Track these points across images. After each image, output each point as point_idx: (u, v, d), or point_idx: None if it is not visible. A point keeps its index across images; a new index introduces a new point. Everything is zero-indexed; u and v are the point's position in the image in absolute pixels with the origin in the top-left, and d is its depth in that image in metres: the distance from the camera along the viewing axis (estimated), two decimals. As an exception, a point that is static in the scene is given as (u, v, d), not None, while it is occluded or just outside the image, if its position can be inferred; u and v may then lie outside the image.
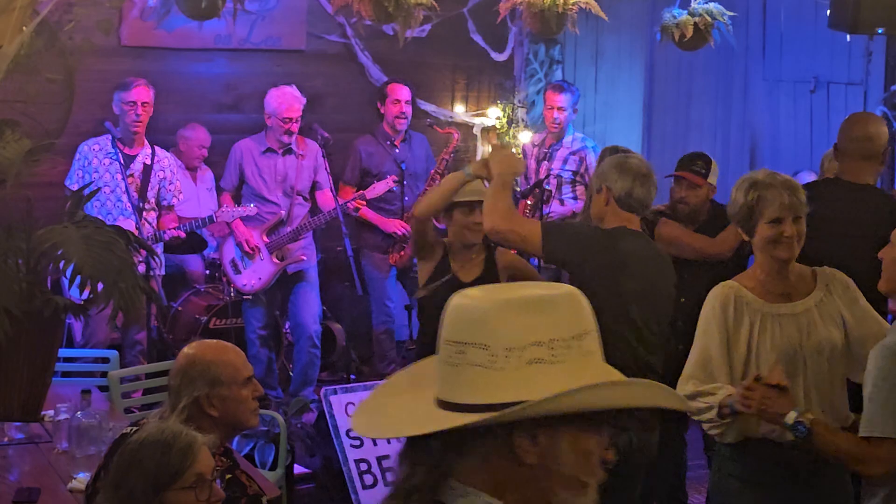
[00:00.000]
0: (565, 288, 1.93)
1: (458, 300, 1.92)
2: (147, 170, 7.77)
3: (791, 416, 3.76)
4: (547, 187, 8.49)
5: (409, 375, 2.10)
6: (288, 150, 8.21)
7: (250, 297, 8.20)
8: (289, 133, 8.10)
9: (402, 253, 8.49)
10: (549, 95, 9.01)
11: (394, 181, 8.35)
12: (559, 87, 8.99)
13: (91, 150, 7.76)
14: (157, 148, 7.94)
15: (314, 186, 8.35)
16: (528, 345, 1.83)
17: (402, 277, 8.78)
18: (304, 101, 8.17)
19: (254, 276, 8.18)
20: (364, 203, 8.26)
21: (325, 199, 8.31)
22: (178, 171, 8.23)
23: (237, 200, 8.23)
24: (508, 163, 5.01)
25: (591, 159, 8.72)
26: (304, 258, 8.28)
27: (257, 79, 8.98)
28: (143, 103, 7.68)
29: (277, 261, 8.17)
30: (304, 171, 8.25)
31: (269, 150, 8.20)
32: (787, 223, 4.12)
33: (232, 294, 8.30)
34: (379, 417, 2.00)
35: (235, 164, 8.24)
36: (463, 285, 5.29)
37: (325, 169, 8.25)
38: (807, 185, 4.54)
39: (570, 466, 1.87)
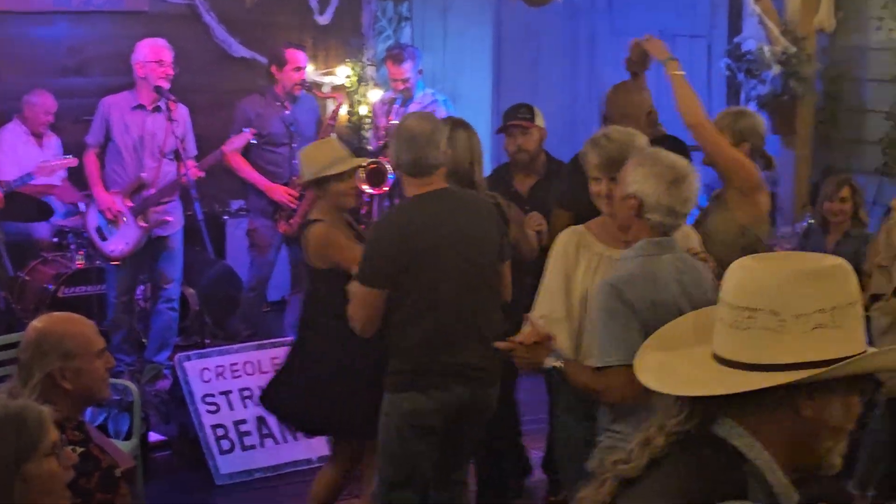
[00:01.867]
0: (836, 259, 2.14)
1: (744, 269, 2.13)
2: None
3: (548, 362, 4.09)
4: None
5: (672, 334, 2.36)
6: (157, 109, 8.02)
7: (119, 262, 8.05)
8: (165, 80, 7.91)
9: (292, 221, 8.35)
10: (390, 66, 9.00)
11: (252, 134, 8.25)
12: (398, 57, 8.94)
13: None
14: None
15: (181, 150, 8.15)
16: (814, 311, 2.05)
17: (290, 242, 8.62)
18: (173, 52, 8.02)
19: (121, 241, 8.01)
20: (202, 171, 8.18)
21: (190, 163, 8.18)
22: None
23: (101, 159, 8.03)
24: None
25: (443, 113, 8.73)
26: (170, 219, 8.14)
27: (101, 41, 8.81)
28: None
29: (143, 223, 8.00)
30: (172, 132, 8.03)
31: (138, 106, 8.02)
32: (601, 182, 4.41)
33: (97, 262, 8.21)
34: (668, 375, 2.20)
35: (102, 119, 8.01)
36: None
37: (192, 133, 8.17)
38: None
39: (837, 419, 2.10)
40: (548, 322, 4.30)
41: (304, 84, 8.66)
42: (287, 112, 8.57)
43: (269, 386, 5.70)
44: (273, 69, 8.62)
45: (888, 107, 8.41)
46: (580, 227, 4.51)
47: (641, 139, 4.56)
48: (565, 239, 4.49)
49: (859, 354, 2.06)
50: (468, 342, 4.88)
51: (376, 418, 5.06)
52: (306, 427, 5.90)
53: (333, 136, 7.88)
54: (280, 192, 8.39)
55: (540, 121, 6.31)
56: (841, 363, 2.03)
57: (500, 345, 4.16)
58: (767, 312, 2.05)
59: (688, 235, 4.61)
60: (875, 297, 4.74)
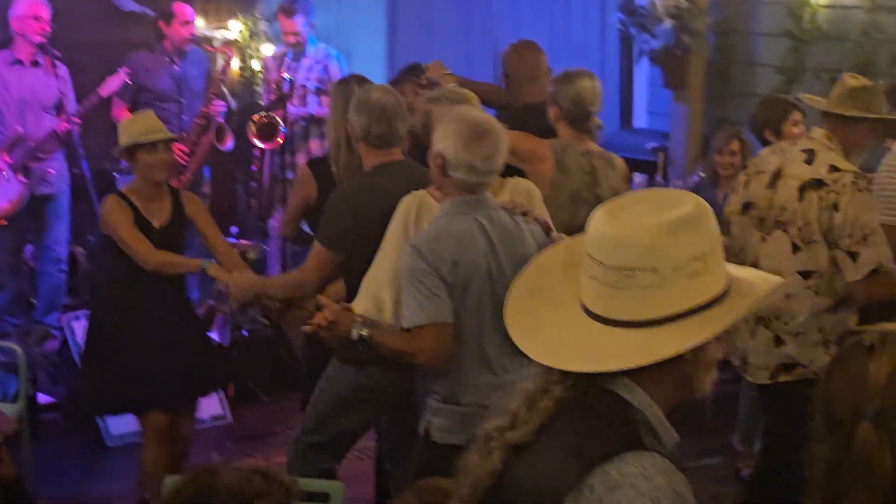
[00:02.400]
0: (693, 200, 2.14)
1: (611, 229, 2.09)
2: None
3: (354, 333, 4.08)
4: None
5: (528, 289, 2.27)
6: (35, 64, 7.89)
7: (2, 221, 7.85)
8: (42, 36, 7.76)
9: (182, 178, 8.23)
10: (281, 19, 8.92)
11: (126, 74, 8.09)
12: (289, 10, 8.84)
13: None
14: None
15: (61, 105, 8.02)
16: (690, 260, 2.06)
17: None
18: (51, 8, 7.85)
19: (2, 198, 7.81)
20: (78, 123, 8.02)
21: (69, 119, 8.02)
22: None
23: None
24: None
25: (335, 69, 8.75)
26: (52, 171, 7.98)
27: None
28: None
29: (23, 179, 7.81)
30: (52, 86, 7.93)
31: (16, 62, 7.87)
32: None
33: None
34: (557, 345, 2.12)
35: None
36: (153, 230, 5.35)
37: (72, 92, 8.01)
38: None
39: (714, 355, 2.13)
40: (380, 285, 4.32)
41: (193, 39, 8.53)
42: (176, 67, 8.47)
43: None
44: (161, 24, 8.48)
45: (778, 60, 8.48)
46: (421, 191, 4.49)
47: (474, 100, 4.63)
48: (408, 201, 4.47)
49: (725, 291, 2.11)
50: None
51: (178, 387, 5.32)
52: (101, 408, 5.93)
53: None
54: None
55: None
56: (734, 306, 2.09)
57: (307, 330, 4.20)
58: (647, 271, 2.05)
59: (529, 192, 4.60)
60: (806, 274, 4.76)
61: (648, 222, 2.07)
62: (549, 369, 2.10)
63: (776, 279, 2.20)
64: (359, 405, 4.89)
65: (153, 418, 5.53)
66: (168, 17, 8.42)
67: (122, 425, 6.60)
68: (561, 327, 2.14)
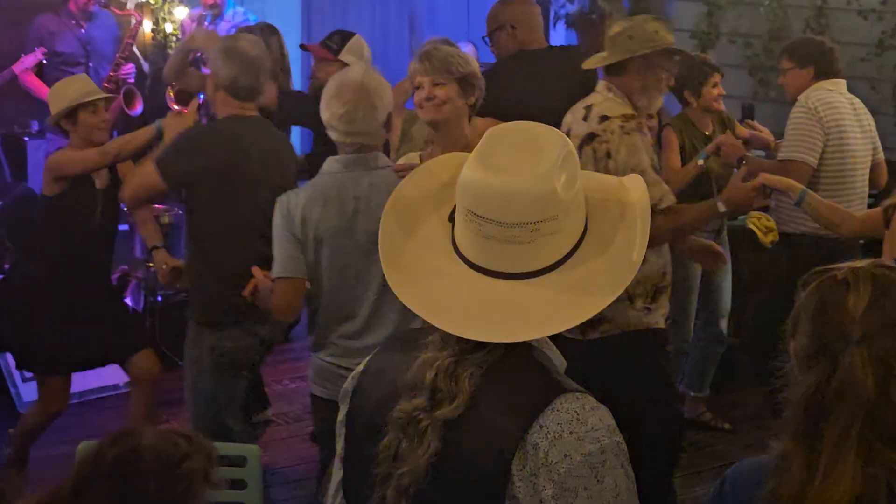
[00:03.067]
0: (552, 131, 2.10)
1: (500, 184, 2.01)
2: None
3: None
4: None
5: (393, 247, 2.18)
6: None
7: None
8: None
9: None
10: None
11: (42, 53, 7.95)
12: None
13: None
14: None
15: None
16: (577, 189, 2.07)
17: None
18: None
19: None
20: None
21: None
22: None
23: None
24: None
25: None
26: None
27: None
28: None
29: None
30: None
31: None
32: (424, 89, 4.32)
33: None
34: (453, 311, 2.05)
35: None
36: (96, 191, 5.29)
37: None
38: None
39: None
40: None
41: (100, 1, 8.39)
42: (82, 31, 8.34)
43: None
44: None
45: (693, 25, 8.55)
46: (413, 153, 4.54)
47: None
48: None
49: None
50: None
51: (90, 353, 5.39)
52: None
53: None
54: None
55: (348, 55, 6.00)
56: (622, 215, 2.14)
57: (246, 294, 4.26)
58: (549, 220, 2.01)
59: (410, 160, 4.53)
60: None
61: (539, 171, 2.02)
62: (460, 339, 2.04)
63: (628, 177, 2.23)
64: (216, 370, 4.89)
65: (54, 381, 5.58)
66: None
67: (34, 391, 6.49)
68: (458, 292, 2.07)
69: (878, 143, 6.16)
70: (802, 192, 4.68)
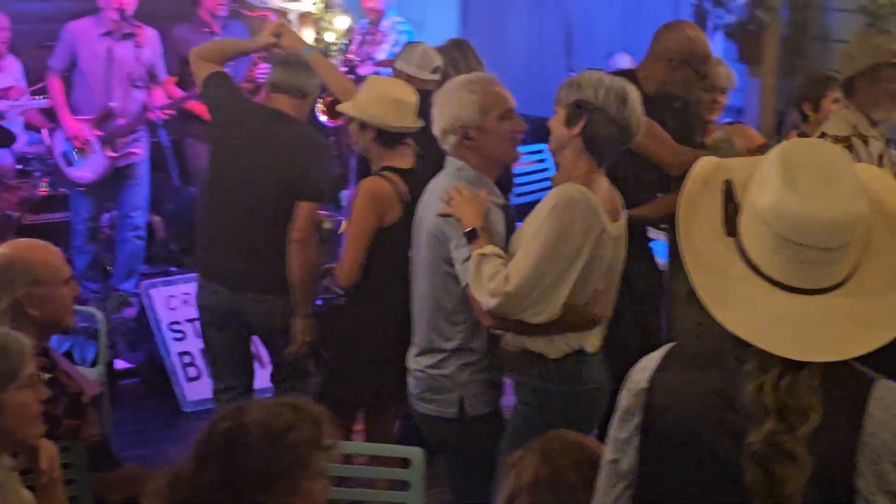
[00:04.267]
0: (844, 154, 2.17)
1: (819, 213, 2.06)
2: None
3: None
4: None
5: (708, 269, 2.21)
6: (126, 36, 7.87)
7: (83, 188, 7.99)
8: (120, 13, 7.75)
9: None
10: None
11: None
12: None
13: None
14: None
15: (151, 78, 8.08)
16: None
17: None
18: None
19: (88, 169, 7.93)
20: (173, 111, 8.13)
21: (159, 91, 8.10)
22: None
23: (67, 83, 7.92)
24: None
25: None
26: (137, 152, 8.06)
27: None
28: None
29: (111, 153, 7.92)
30: (141, 59, 7.95)
31: (107, 33, 7.85)
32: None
33: (61, 189, 8.22)
34: (782, 333, 2.10)
35: (67, 46, 7.87)
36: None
37: (162, 60, 8.06)
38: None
39: None
40: None
41: (230, 8, 8.51)
42: (216, 37, 8.36)
43: None
44: None
45: (852, 36, 8.41)
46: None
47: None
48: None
49: None
50: (232, 247, 5.25)
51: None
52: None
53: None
54: None
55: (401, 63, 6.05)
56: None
57: None
58: (856, 240, 2.11)
59: None
60: None
61: (849, 195, 2.09)
62: (771, 357, 2.10)
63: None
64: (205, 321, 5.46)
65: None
66: None
67: (198, 391, 6.70)
68: (770, 312, 2.12)
69: None
70: None
